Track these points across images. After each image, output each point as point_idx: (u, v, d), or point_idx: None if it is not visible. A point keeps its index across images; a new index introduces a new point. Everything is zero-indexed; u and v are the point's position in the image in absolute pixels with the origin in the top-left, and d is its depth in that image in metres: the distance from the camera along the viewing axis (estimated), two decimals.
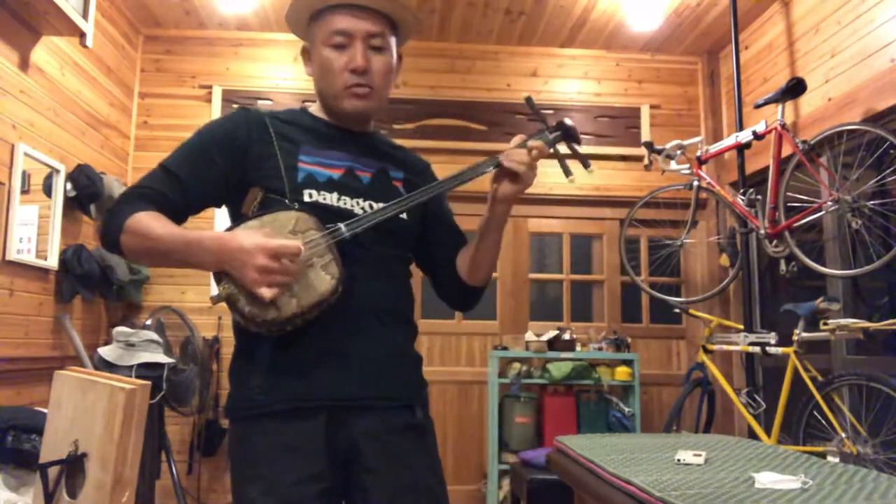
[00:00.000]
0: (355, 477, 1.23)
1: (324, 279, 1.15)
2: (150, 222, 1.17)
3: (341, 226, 1.20)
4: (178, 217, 1.23)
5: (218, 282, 1.16)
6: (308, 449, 1.19)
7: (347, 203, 1.26)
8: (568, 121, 1.33)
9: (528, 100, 1.37)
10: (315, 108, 1.37)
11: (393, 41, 1.32)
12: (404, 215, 1.31)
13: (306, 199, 1.23)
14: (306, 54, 1.35)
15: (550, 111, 4.33)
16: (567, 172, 1.30)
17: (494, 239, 1.33)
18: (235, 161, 1.25)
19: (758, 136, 3.32)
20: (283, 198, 1.21)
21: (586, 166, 1.36)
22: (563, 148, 1.34)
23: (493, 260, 1.37)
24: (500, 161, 1.25)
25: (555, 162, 1.32)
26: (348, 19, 1.26)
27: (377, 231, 1.24)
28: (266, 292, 1.10)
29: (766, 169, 3.35)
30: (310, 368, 1.21)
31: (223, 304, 1.17)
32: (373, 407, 1.24)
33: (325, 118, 1.35)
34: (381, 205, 1.28)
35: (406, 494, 1.24)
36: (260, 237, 1.11)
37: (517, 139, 1.26)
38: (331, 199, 1.25)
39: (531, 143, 1.24)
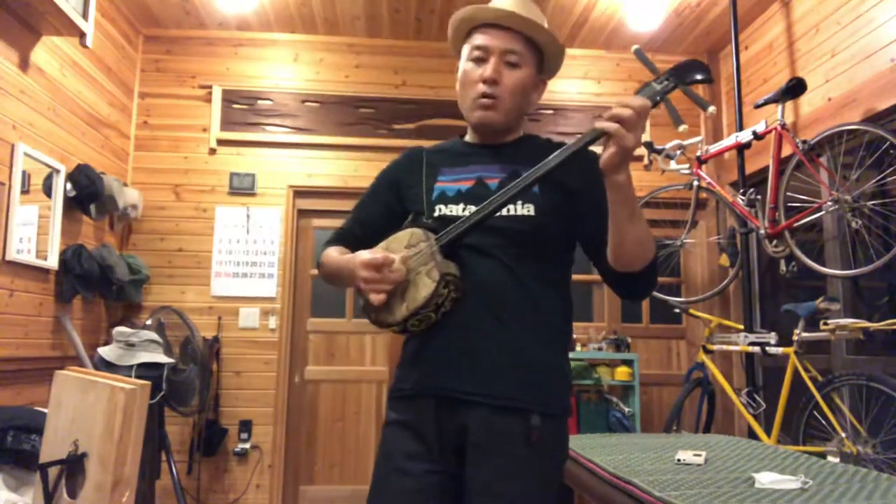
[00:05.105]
0: (465, 467, 1.29)
1: (426, 284, 1.25)
2: (328, 254, 1.45)
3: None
4: (363, 246, 1.38)
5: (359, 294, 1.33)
6: (419, 429, 1.31)
7: (472, 211, 1.32)
8: (690, 62, 1.24)
9: (637, 51, 1.39)
10: (467, 134, 1.48)
11: (533, 62, 1.40)
12: (526, 210, 1.31)
13: (436, 213, 1.36)
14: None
15: (550, 111, 4.33)
16: (677, 123, 1.22)
17: (620, 216, 1.18)
18: (393, 192, 1.46)
19: (758, 136, 3.32)
20: (422, 216, 1.37)
21: (704, 108, 1.27)
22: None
23: (632, 240, 1.20)
24: (595, 127, 1.16)
25: None
26: (488, 36, 1.37)
27: (490, 231, 1.29)
28: (374, 298, 1.25)
29: (766, 169, 3.35)
30: (427, 361, 1.32)
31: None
32: (479, 403, 1.27)
33: (470, 140, 1.47)
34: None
35: (485, 495, 1.24)
36: (366, 255, 1.27)
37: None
38: (456, 210, 1.35)
39: (625, 100, 1.16)
